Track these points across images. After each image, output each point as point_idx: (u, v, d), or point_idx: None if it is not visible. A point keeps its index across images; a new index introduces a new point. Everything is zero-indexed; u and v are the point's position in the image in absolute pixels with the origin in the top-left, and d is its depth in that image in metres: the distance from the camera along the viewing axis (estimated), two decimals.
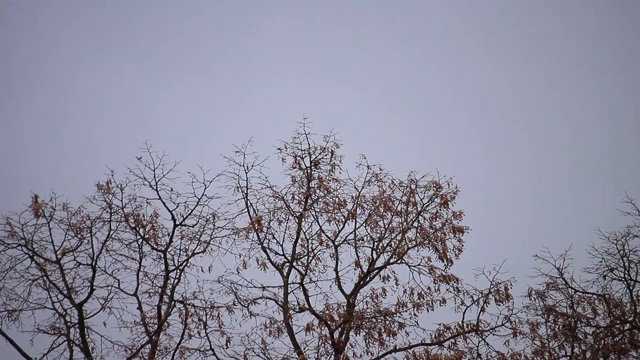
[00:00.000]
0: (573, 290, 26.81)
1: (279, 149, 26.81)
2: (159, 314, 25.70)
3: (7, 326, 25.41)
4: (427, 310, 26.39)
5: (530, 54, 57.59)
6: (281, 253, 26.63)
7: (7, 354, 24.91)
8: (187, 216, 26.28)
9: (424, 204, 27.00)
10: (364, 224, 26.95)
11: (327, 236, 26.76)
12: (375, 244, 26.74)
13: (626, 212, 26.42)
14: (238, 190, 26.61)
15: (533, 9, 57.62)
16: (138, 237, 26.25)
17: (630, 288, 26.68)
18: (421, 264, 26.63)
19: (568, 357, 26.33)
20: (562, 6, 57.39)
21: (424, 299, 26.44)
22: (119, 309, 26.11)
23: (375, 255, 26.63)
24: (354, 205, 26.96)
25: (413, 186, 27.03)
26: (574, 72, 56.95)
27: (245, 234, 26.59)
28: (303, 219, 26.68)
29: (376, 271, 26.57)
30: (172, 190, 25.96)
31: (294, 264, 26.54)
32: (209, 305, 25.99)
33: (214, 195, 26.24)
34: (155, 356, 25.41)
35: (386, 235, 26.85)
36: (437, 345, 25.83)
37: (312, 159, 26.95)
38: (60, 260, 25.73)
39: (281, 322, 25.96)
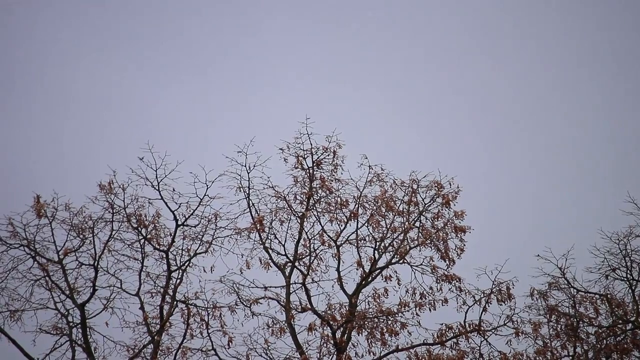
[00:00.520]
0: (575, 290, 26.83)
1: (281, 149, 26.84)
2: (161, 314, 25.69)
3: (9, 326, 25.44)
4: (429, 310, 26.43)
5: (531, 54, 57.65)
6: (283, 253, 26.68)
7: (9, 354, 24.93)
8: (189, 216, 26.30)
9: (425, 204, 27.02)
10: (366, 224, 26.98)
11: (329, 236, 26.79)
12: (377, 243, 26.75)
13: (628, 212, 26.45)
14: (240, 191, 26.62)
15: (534, 8, 57.62)
16: (140, 237, 26.26)
17: (633, 288, 26.68)
18: (423, 263, 26.71)
19: (570, 357, 26.34)
20: (563, 6, 57.40)
21: (426, 298, 26.47)
22: (121, 309, 26.13)
23: (377, 255, 26.65)
24: (355, 205, 26.98)
25: (415, 186, 27.06)
26: (575, 71, 57.00)
27: (247, 234, 26.61)
28: (305, 219, 26.70)
29: (378, 271, 26.59)
30: (174, 190, 25.98)
31: (296, 264, 26.54)
32: (211, 305, 26.02)
33: (216, 196, 26.27)
34: (158, 356, 25.40)
35: (388, 235, 26.86)
36: (439, 345, 25.86)
37: (314, 159, 26.96)
38: (62, 260, 25.73)
39: (283, 322, 25.97)
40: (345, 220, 26.90)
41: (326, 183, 27.00)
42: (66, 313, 25.85)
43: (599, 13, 57.27)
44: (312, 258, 26.71)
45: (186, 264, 26.33)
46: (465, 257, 26.81)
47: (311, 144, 26.81)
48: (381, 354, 25.83)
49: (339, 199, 26.99)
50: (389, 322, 26.02)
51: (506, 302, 26.27)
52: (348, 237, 26.86)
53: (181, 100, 56.62)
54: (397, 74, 58.67)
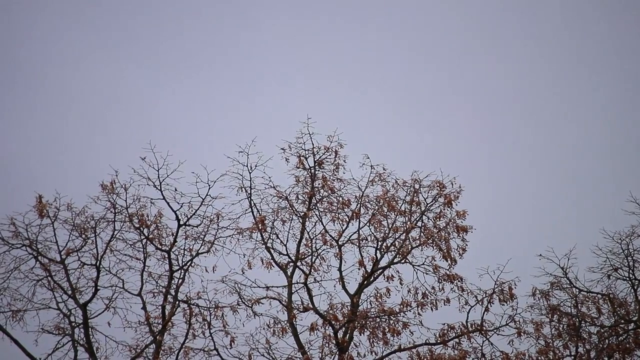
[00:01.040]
0: (577, 290, 26.81)
1: (282, 149, 26.84)
2: (163, 314, 25.71)
3: (11, 326, 25.45)
4: (431, 310, 26.42)
5: (534, 54, 57.57)
6: (285, 253, 26.68)
7: (11, 354, 24.95)
8: (191, 216, 26.29)
9: (427, 204, 27.02)
10: (368, 224, 26.97)
11: (330, 236, 26.79)
12: (379, 243, 26.75)
13: (630, 212, 26.45)
14: (242, 190, 26.61)
15: (535, 8, 57.61)
16: (142, 237, 26.26)
17: (635, 287, 26.67)
18: (425, 263, 26.70)
19: (572, 357, 26.32)
20: (564, 5, 57.40)
21: (428, 298, 26.47)
22: (123, 309, 26.16)
23: (379, 255, 26.65)
24: (357, 205, 26.98)
25: (417, 186, 27.05)
26: (576, 70, 56.95)
27: (249, 234, 26.62)
28: (307, 219, 26.70)
29: (380, 271, 26.58)
30: (176, 190, 25.98)
31: (298, 263, 26.53)
32: (213, 305, 26.01)
33: (218, 196, 26.25)
34: (160, 356, 25.41)
35: (390, 235, 26.86)
36: (441, 345, 25.86)
37: (316, 159, 26.97)
38: (64, 260, 25.74)
39: (285, 322, 25.96)
40: (347, 220, 26.90)
41: (328, 183, 27.01)
42: (68, 313, 25.88)
43: (600, 12, 57.26)
44: (314, 258, 26.72)
45: (188, 264, 26.34)
46: (467, 257, 26.81)
47: (313, 144, 26.85)
48: (383, 354, 25.83)
49: (340, 199, 27.00)
50: (391, 321, 26.02)
51: (508, 302, 26.26)
52: (350, 236, 26.86)
53: (182, 100, 56.67)
54: (398, 73, 58.71)
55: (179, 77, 57.97)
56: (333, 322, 25.68)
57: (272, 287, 26.33)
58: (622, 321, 26.51)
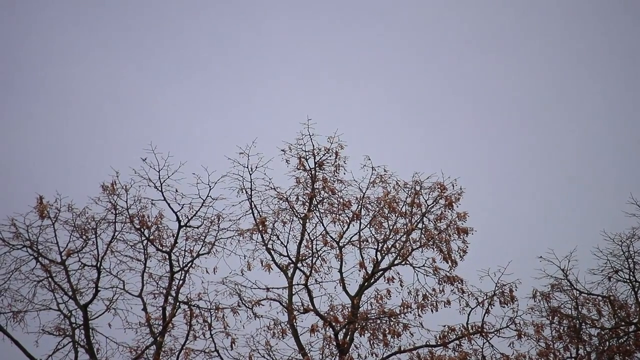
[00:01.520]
0: (578, 292, 26.83)
1: (283, 150, 26.85)
2: (163, 315, 25.72)
3: (12, 327, 25.48)
4: (432, 312, 26.42)
5: (535, 54, 57.52)
6: (285, 254, 26.67)
7: (12, 355, 24.95)
8: (191, 217, 26.31)
9: (428, 205, 27.02)
10: (369, 225, 26.99)
11: (331, 237, 26.80)
12: (380, 245, 26.77)
13: (631, 214, 26.51)
14: (242, 192, 26.63)
15: (539, 9, 57.60)
16: (143, 238, 26.27)
17: (635, 290, 26.70)
18: (426, 265, 26.69)
19: (573, 359, 26.31)
20: (564, 5, 57.39)
21: (428, 300, 26.47)
22: (123, 310, 26.15)
23: (379, 257, 26.66)
24: (358, 206, 26.99)
25: (417, 187, 27.06)
26: (579, 71, 56.90)
27: (249, 235, 26.62)
28: (307, 220, 26.70)
29: (381, 272, 26.59)
30: (177, 191, 26.02)
31: (299, 265, 26.54)
32: (214, 307, 25.99)
33: (219, 197, 26.27)
34: (160, 357, 25.41)
35: (391, 237, 26.87)
36: (441, 347, 25.83)
37: (316, 160, 26.97)
38: (65, 261, 25.76)
39: (286, 324, 25.95)
40: (348, 222, 26.91)
41: (328, 184, 27.02)
42: (69, 314, 25.89)
43: (600, 12, 57.24)
44: (315, 259, 26.72)
45: (189, 265, 26.35)
46: (467, 259, 26.81)
47: (313, 145, 26.85)
48: (383, 356, 25.83)
49: (341, 200, 27.00)
50: (392, 323, 26.00)
51: (509, 304, 26.24)
52: (351, 238, 26.86)
53: (183, 101, 56.62)
54: (399, 73, 58.64)
55: (179, 78, 57.96)
56: (333, 324, 25.68)
57: (272, 288, 26.33)
58: (623, 323, 26.52)
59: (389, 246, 26.77)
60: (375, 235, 26.89)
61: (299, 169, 26.95)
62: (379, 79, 58.06)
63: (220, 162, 26.26)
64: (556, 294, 26.87)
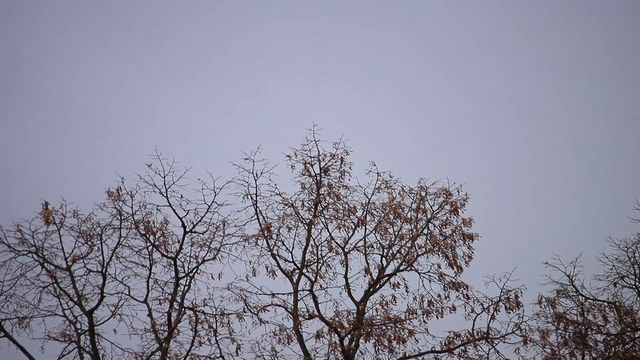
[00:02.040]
0: (583, 298, 26.79)
1: (288, 156, 26.88)
2: (169, 321, 25.71)
3: (17, 333, 25.46)
4: (437, 318, 26.37)
5: (545, 61, 57.51)
6: (291, 260, 26.66)
7: None
8: (197, 223, 26.34)
9: (433, 211, 27.01)
10: (374, 231, 26.97)
11: (336, 243, 26.77)
12: (385, 250, 26.74)
13: (636, 220, 26.42)
14: (248, 197, 26.65)
15: (536, 9, 57.60)
16: (148, 244, 26.28)
17: None
18: (431, 271, 26.67)
19: None
20: (564, 6, 57.41)
21: (433, 306, 26.43)
22: (129, 316, 26.13)
23: (385, 262, 26.64)
24: (363, 212, 26.98)
25: (423, 193, 27.04)
26: (588, 76, 56.82)
27: (254, 241, 26.63)
28: (313, 226, 26.71)
29: (386, 278, 26.57)
30: (182, 197, 26.06)
31: (304, 270, 26.54)
32: (219, 313, 26.00)
33: (224, 202, 26.29)
34: None
35: (396, 242, 26.86)
36: (447, 353, 25.81)
37: (321, 166, 26.97)
38: (70, 267, 25.78)
39: (291, 329, 25.95)
40: (353, 227, 26.89)
41: (334, 190, 27.04)
42: (74, 320, 25.88)
43: (600, 12, 57.22)
44: (320, 265, 26.72)
45: (194, 271, 26.36)
46: (473, 265, 26.79)
47: (318, 151, 26.88)
48: None
49: (346, 206, 27.00)
50: (397, 329, 25.97)
51: (514, 310, 26.22)
52: (356, 244, 26.85)
53: (187, 104, 56.72)
54: (405, 78, 58.68)
55: (184, 83, 58.05)
56: (339, 330, 25.67)
57: (277, 294, 26.32)
58: (629, 329, 26.47)
59: (394, 252, 26.76)
60: (381, 241, 26.88)
61: (304, 175, 26.98)
62: (384, 82, 58.10)
63: (225, 167, 26.34)
64: (562, 299, 26.84)
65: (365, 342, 25.85)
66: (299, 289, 26.29)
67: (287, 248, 26.69)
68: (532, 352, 26.01)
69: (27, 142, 51.69)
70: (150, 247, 26.28)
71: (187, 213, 26.19)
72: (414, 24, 59.57)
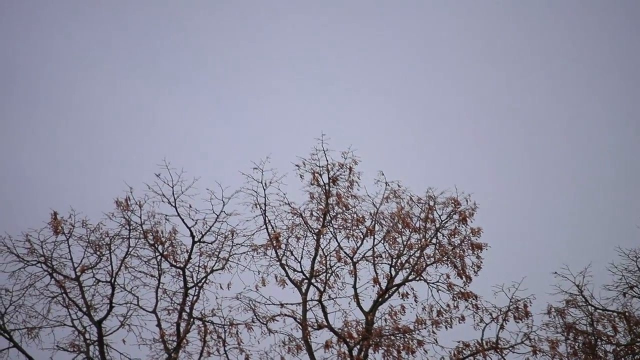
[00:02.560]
0: (593, 308, 26.71)
1: (297, 165, 26.91)
2: (177, 331, 25.70)
3: (26, 343, 25.44)
4: (446, 328, 26.37)
5: (555, 73, 57.48)
6: (299, 270, 26.64)
7: None
8: (205, 233, 26.33)
9: (442, 221, 26.99)
10: (383, 241, 26.95)
11: (345, 253, 26.77)
12: (394, 260, 26.72)
13: None
14: (256, 207, 26.65)
15: (545, 17, 57.63)
16: (157, 254, 26.28)
17: None
18: (440, 280, 26.66)
19: None
20: (563, 7, 57.44)
21: (442, 316, 26.41)
22: (138, 326, 26.09)
23: (393, 272, 26.62)
24: (372, 221, 26.96)
25: (431, 203, 27.03)
26: (598, 88, 56.76)
27: (263, 251, 26.61)
28: (321, 236, 26.70)
29: (395, 288, 26.55)
30: (190, 207, 26.05)
31: (313, 280, 26.53)
32: (228, 323, 26.00)
33: (233, 212, 26.30)
34: None
35: (405, 252, 26.83)
36: None
37: (330, 176, 26.98)
38: (79, 277, 25.80)
39: (300, 340, 25.93)
40: (362, 237, 26.88)
41: (342, 199, 27.03)
42: (83, 330, 25.88)
43: (601, 13, 57.18)
44: (329, 275, 26.70)
45: (203, 281, 26.33)
46: (482, 274, 26.77)
47: (327, 161, 26.90)
48: None
49: (355, 216, 26.99)
50: (406, 339, 25.95)
51: (523, 320, 26.19)
52: (364, 253, 26.85)
53: (196, 115, 56.80)
54: (412, 85, 58.63)
55: (190, 92, 58.10)
56: (348, 340, 25.64)
57: (286, 304, 26.33)
58: (638, 339, 26.39)
59: (403, 262, 26.74)
60: (389, 251, 26.87)
61: (312, 185, 26.98)
62: (391, 89, 58.05)
63: (235, 177, 26.38)
64: (571, 309, 26.77)
65: (374, 353, 25.86)
66: (307, 299, 26.27)
67: (295, 258, 26.71)
68: None
69: (35, 152, 51.80)
70: (159, 257, 26.28)
71: (196, 223, 26.21)
72: (423, 33, 59.61)
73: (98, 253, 25.94)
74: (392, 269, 26.64)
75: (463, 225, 26.95)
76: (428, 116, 57.50)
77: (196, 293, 26.23)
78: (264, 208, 26.66)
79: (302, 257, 26.69)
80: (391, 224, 26.99)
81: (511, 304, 26.20)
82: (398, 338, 25.98)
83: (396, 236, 26.93)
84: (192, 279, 26.34)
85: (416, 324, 26.17)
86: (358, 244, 26.84)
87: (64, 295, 25.78)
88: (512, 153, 54.89)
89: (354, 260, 26.66)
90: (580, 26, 58.06)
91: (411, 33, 59.29)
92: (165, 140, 52.51)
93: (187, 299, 26.11)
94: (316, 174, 26.94)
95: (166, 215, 26.19)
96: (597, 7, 57.15)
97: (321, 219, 26.89)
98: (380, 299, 26.35)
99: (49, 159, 51.80)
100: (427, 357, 25.78)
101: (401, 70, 58.70)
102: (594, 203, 48.84)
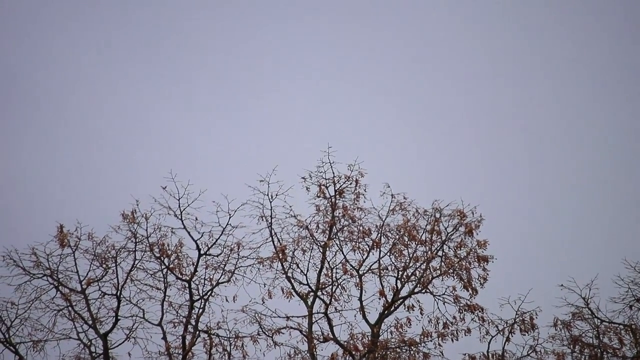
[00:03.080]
0: (599, 320, 26.64)
1: (303, 177, 26.93)
2: (183, 344, 25.69)
3: (32, 357, 25.54)
4: (452, 340, 26.33)
5: (555, 73, 57.44)
6: (305, 282, 26.63)
7: None
8: (211, 245, 26.36)
9: (448, 233, 26.95)
10: (389, 253, 26.93)
11: (351, 265, 26.75)
12: (400, 273, 26.70)
13: None
14: (262, 220, 26.67)
15: (535, 8, 57.63)
16: (163, 266, 26.30)
17: None
18: (446, 293, 26.61)
19: None
20: (563, 8, 57.45)
21: (448, 328, 26.37)
22: (143, 339, 26.11)
23: (399, 285, 26.60)
24: (378, 234, 26.95)
25: (437, 215, 27.01)
26: (603, 100, 56.69)
27: (269, 264, 26.61)
28: (327, 248, 26.69)
29: (401, 300, 26.52)
30: (196, 219, 26.13)
31: (319, 293, 26.51)
32: (234, 335, 26.01)
33: (239, 225, 26.33)
34: None
35: (410, 265, 26.81)
36: None
37: (336, 188, 26.99)
38: (85, 290, 25.83)
39: (305, 352, 25.91)
40: (368, 250, 26.86)
41: (348, 212, 27.02)
42: (89, 343, 25.87)
43: (601, 14, 57.16)
44: (335, 287, 26.69)
45: (208, 294, 26.36)
46: (488, 287, 26.71)
47: (333, 173, 26.92)
48: None
49: (361, 228, 26.98)
50: (412, 352, 25.93)
51: (529, 332, 26.18)
52: (370, 266, 26.83)
53: (204, 130, 56.84)
54: (411, 85, 58.56)
55: (200, 106, 58.18)
56: (353, 353, 25.63)
57: (292, 317, 26.33)
58: None
59: (409, 274, 26.71)
60: (395, 263, 26.85)
61: (319, 197, 26.98)
62: (391, 93, 58.02)
63: (241, 190, 26.40)
64: (577, 322, 26.69)
65: None
66: (313, 312, 26.27)
67: (301, 270, 26.70)
68: None
69: (41, 165, 51.86)
70: (165, 270, 26.30)
71: (202, 235, 26.27)
72: (427, 42, 59.64)
73: (104, 266, 25.99)
74: (398, 281, 26.62)
75: (469, 238, 26.92)
76: (428, 116, 57.45)
77: (202, 306, 26.25)
78: (270, 221, 26.67)
79: (308, 270, 26.72)
80: (397, 237, 26.97)
81: (517, 316, 26.18)
82: (404, 351, 25.96)
83: (402, 248, 26.91)
84: (198, 292, 26.36)
85: (422, 337, 26.15)
86: (364, 257, 26.84)
87: (70, 308, 25.82)
88: (518, 164, 54.78)
89: (360, 272, 26.64)
90: (580, 26, 58.06)
91: (411, 33, 59.34)
92: (171, 152, 52.58)
93: (193, 311, 26.12)
94: (322, 187, 26.95)
95: (172, 228, 26.25)
96: (597, 7, 57.16)
97: (327, 232, 26.89)
98: (386, 312, 26.31)
99: (56, 171, 51.91)
100: None
101: (401, 70, 58.71)
102: (601, 215, 48.74)
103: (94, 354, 25.71)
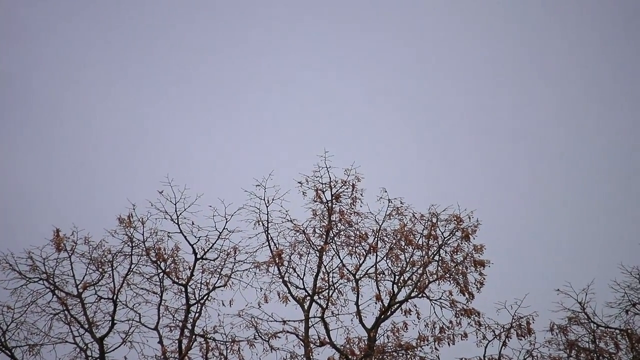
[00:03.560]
0: (595, 325, 26.66)
1: (299, 182, 26.92)
2: (179, 348, 25.67)
3: None
4: (449, 345, 26.33)
5: (563, 89, 57.50)
6: (302, 287, 26.66)
7: None
8: (208, 250, 26.38)
9: (445, 238, 26.97)
10: (385, 258, 26.94)
11: (348, 270, 26.77)
12: (396, 277, 26.72)
13: None
14: (259, 224, 26.66)
15: (535, 8, 57.70)
16: (159, 271, 26.32)
17: None
18: (442, 297, 26.62)
19: None
20: (562, 8, 57.52)
21: (445, 333, 26.38)
22: (139, 343, 26.11)
23: (396, 289, 26.61)
24: (375, 238, 26.96)
25: (434, 220, 27.01)
26: (600, 97, 56.73)
27: (266, 268, 26.63)
28: (324, 253, 26.69)
29: (397, 305, 26.52)
30: (193, 223, 26.15)
31: (315, 297, 26.51)
32: (230, 340, 25.98)
33: (235, 229, 26.35)
34: None
35: (407, 269, 26.83)
36: None
37: (333, 193, 27.00)
38: (81, 294, 25.82)
39: (302, 357, 25.91)
40: (365, 254, 26.88)
41: (345, 216, 27.03)
42: (85, 347, 25.87)
43: (600, 14, 57.25)
44: (331, 292, 26.69)
45: (205, 298, 26.37)
46: (484, 291, 26.72)
47: (330, 177, 26.93)
48: None
49: (358, 233, 26.99)
50: (408, 356, 25.93)
51: (526, 337, 26.16)
52: (367, 270, 26.83)
53: (200, 134, 56.84)
54: (412, 85, 58.61)
55: (195, 111, 58.18)
56: (350, 357, 25.62)
57: (288, 321, 26.31)
58: None
59: (406, 279, 26.72)
60: (392, 268, 26.87)
61: (315, 201, 26.99)
62: (391, 93, 58.05)
63: (237, 194, 26.41)
64: (573, 327, 26.71)
65: None
66: (310, 316, 26.26)
67: (298, 275, 26.74)
68: None
69: (41, 171, 51.87)
70: (161, 274, 26.31)
71: (198, 240, 26.28)
72: (425, 46, 59.70)
73: (100, 270, 25.99)
74: (395, 285, 26.64)
75: (466, 242, 26.93)
76: (427, 117, 57.56)
77: (198, 310, 26.25)
78: (266, 225, 26.69)
79: (304, 274, 26.75)
80: (394, 241, 26.98)
81: (514, 320, 26.18)
82: (400, 355, 25.97)
83: (399, 253, 26.92)
84: (195, 296, 26.38)
85: (419, 341, 26.16)
86: (361, 261, 26.86)
87: (66, 312, 25.81)
88: (514, 169, 54.88)
89: (357, 277, 26.66)
90: (580, 26, 58.14)
91: (411, 34, 59.42)
92: (161, 145, 52.65)
93: (189, 316, 26.13)
94: (319, 191, 26.96)
95: (169, 232, 26.27)
96: (597, 8, 57.26)
97: (324, 236, 26.89)
98: (382, 316, 26.31)
99: (51, 176, 51.89)
100: None
101: (401, 71, 58.83)
102: (597, 220, 48.79)
103: (90, 358, 25.71)
